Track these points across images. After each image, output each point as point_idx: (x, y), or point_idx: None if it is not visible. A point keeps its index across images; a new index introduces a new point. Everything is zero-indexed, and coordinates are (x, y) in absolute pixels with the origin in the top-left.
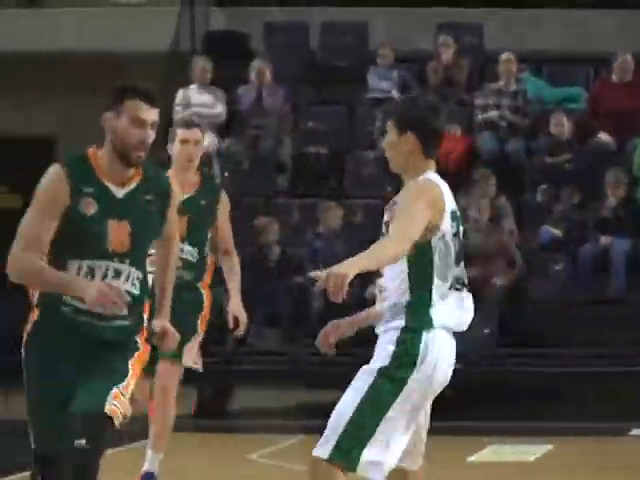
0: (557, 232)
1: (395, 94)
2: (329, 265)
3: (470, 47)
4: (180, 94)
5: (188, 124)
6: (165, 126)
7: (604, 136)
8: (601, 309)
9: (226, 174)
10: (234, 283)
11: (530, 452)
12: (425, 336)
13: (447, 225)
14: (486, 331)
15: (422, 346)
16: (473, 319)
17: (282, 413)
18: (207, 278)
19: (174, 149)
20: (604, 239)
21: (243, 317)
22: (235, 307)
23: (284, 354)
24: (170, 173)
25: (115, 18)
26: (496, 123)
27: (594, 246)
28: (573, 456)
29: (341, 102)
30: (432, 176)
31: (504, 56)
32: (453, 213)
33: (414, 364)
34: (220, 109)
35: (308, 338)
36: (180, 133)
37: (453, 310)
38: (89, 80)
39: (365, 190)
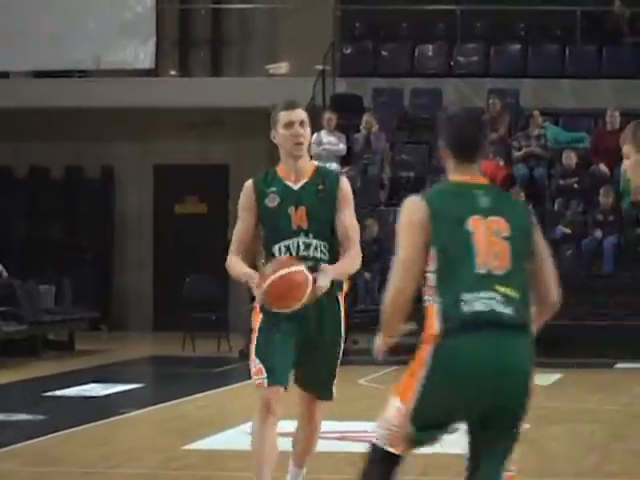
0: (567, 230)
1: None
2: None
3: (510, 105)
4: (315, 136)
5: (289, 105)
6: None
7: (601, 166)
8: (596, 281)
9: None
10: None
11: (546, 379)
12: None
13: None
14: None
15: None
16: None
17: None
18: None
19: (278, 136)
20: (599, 234)
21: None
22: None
23: None
24: (280, 165)
25: (270, 84)
26: (526, 157)
27: (592, 239)
28: (576, 381)
29: (423, 142)
30: None
31: (534, 112)
32: None
33: None
34: (342, 146)
35: None
36: (283, 116)
37: None
38: (250, 126)
39: None
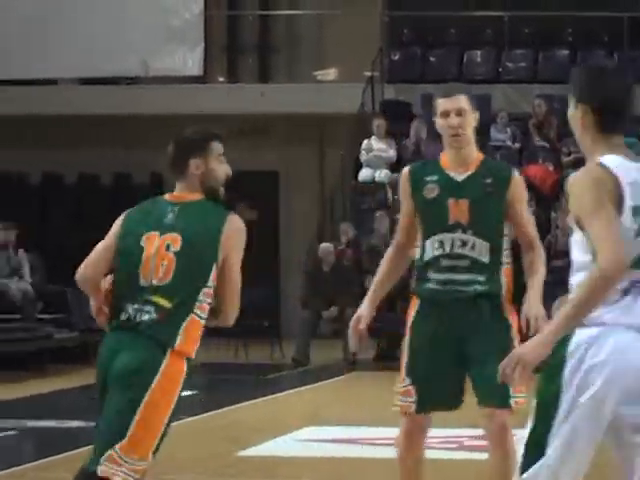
0: None
1: (509, 144)
2: None
3: (557, 111)
4: (365, 142)
5: (447, 91)
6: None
7: None
8: None
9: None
10: (533, 281)
11: None
12: None
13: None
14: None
15: None
16: None
17: None
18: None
19: (437, 125)
20: None
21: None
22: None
23: None
24: (443, 155)
25: (318, 90)
26: (575, 162)
27: None
28: None
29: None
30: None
31: None
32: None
33: None
34: (392, 153)
35: None
36: (439, 104)
37: None
38: (299, 132)
39: None
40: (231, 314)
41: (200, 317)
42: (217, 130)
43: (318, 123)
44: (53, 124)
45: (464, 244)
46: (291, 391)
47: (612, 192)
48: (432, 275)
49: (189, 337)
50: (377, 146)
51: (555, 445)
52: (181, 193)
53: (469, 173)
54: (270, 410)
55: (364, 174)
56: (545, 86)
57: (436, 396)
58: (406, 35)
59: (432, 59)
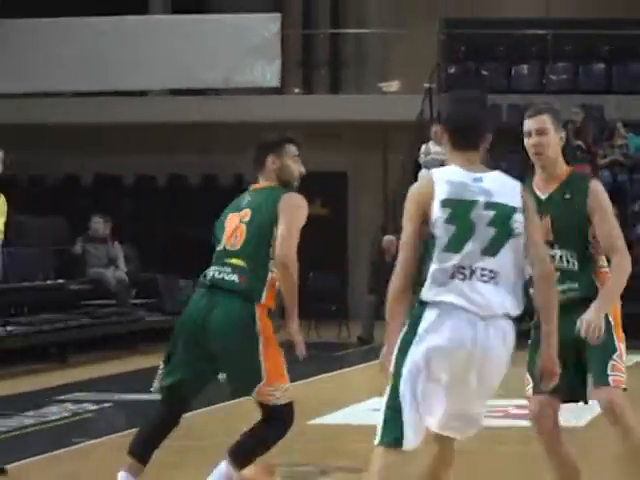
0: None
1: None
2: None
3: (594, 118)
4: (423, 147)
5: (531, 112)
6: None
7: None
8: None
9: None
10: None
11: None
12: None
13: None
14: None
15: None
16: None
17: None
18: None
19: (526, 144)
20: None
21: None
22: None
23: None
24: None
25: (383, 100)
26: (610, 164)
27: None
28: None
29: (518, 151)
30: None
31: (617, 124)
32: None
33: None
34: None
35: None
36: (525, 124)
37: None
38: (366, 138)
39: None
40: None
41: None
42: (292, 135)
43: (382, 130)
44: (144, 131)
45: (552, 258)
46: (357, 367)
47: (426, 196)
48: None
49: (270, 292)
50: (434, 149)
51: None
52: (260, 184)
53: (552, 190)
54: (338, 384)
55: (422, 175)
56: (585, 96)
57: None
58: (461, 52)
59: (484, 72)
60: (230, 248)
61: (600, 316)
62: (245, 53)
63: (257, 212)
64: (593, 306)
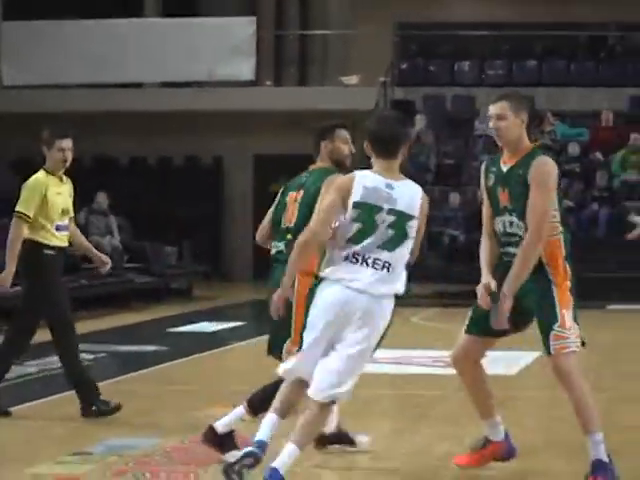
0: (571, 204)
1: (489, 133)
2: None
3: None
4: None
5: (493, 99)
6: None
7: (597, 154)
8: (593, 243)
9: None
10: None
11: None
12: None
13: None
14: None
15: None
16: None
17: (426, 297)
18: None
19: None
20: (595, 207)
21: None
22: None
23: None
24: None
25: (344, 92)
26: (541, 147)
27: (590, 211)
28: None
29: (461, 136)
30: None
31: (547, 114)
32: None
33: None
34: None
35: None
36: (489, 109)
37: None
38: None
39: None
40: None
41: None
42: (343, 121)
43: (343, 118)
44: (138, 119)
45: (511, 224)
46: None
47: (345, 191)
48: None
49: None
50: None
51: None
52: (315, 165)
53: (511, 166)
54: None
55: None
56: (518, 88)
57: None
58: (412, 50)
59: (431, 68)
60: (287, 225)
61: (510, 299)
62: (225, 51)
63: (307, 192)
64: (506, 283)
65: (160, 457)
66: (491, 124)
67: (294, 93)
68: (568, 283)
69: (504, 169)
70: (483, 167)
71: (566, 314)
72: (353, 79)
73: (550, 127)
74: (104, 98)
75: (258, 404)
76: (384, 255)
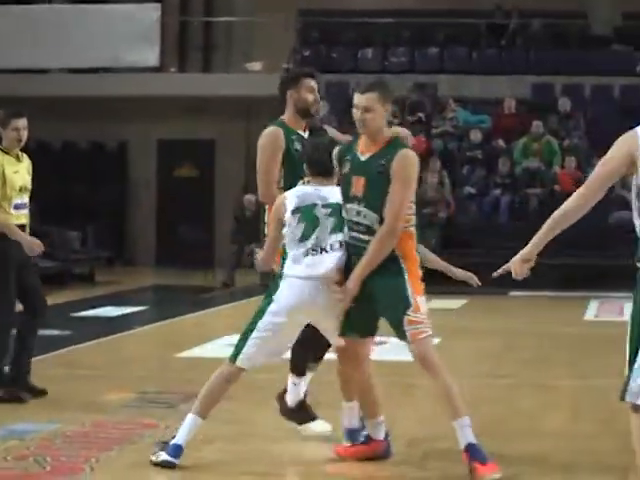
0: (473, 190)
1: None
2: None
3: (429, 95)
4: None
5: (359, 89)
6: None
7: (499, 141)
8: (494, 229)
9: None
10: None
11: (456, 303)
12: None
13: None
14: (434, 240)
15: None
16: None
17: None
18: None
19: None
20: (497, 193)
21: None
22: None
23: None
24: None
25: (247, 78)
26: (442, 134)
27: (492, 197)
28: (479, 305)
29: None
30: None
31: (449, 100)
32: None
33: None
34: None
35: None
36: (354, 98)
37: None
38: (232, 109)
39: None
40: None
41: None
42: (309, 70)
43: (246, 103)
44: (45, 104)
45: (358, 214)
46: (220, 307)
47: (281, 214)
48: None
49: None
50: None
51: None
52: (285, 116)
53: (369, 155)
54: (204, 322)
55: None
56: (420, 75)
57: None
58: (314, 37)
59: (333, 55)
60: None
61: (356, 282)
62: (131, 37)
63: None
64: (353, 274)
65: (61, 441)
66: (357, 115)
67: (198, 79)
68: (420, 272)
69: (362, 158)
70: (337, 154)
71: (419, 300)
72: (256, 66)
73: (452, 114)
74: (9, 83)
75: (300, 364)
76: (338, 236)
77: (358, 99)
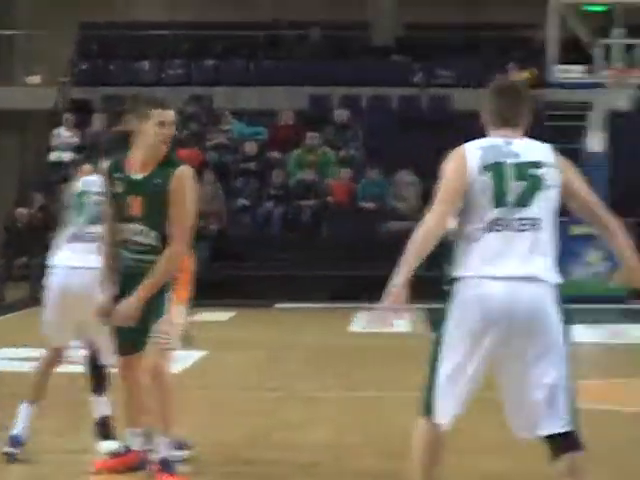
0: (246, 202)
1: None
2: None
3: (205, 107)
4: (56, 131)
5: (165, 105)
6: None
7: (275, 153)
8: (266, 241)
9: None
10: None
11: (223, 316)
12: None
13: None
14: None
15: None
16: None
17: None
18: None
19: (150, 131)
20: (270, 205)
21: None
22: None
23: None
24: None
25: (28, 92)
26: (216, 146)
27: (265, 209)
28: (246, 318)
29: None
30: None
31: (225, 112)
32: None
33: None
34: (75, 139)
35: None
36: (161, 114)
37: None
38: (8, 121)
39: None
40: None
41: None
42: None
43: (24, 116)
44: None
45: (139, 233)
46: None
47: None
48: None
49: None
50: (65, 134)
51: None
52: None
53: (146, 174)
54: None
55: (54, 155)
56: (197, 88)
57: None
58: (93, 50)
59: (111, 68)
60: None
61: (136, 304)
62: None
63: None
64: (136, 294)
65: None
66: (166, 131)
67: None
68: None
69: (137, 177)
70: (106, 171)
71: (176, 311)
72: (36, 79)
73: (227, 126)
74: None
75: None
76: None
77: (169, 115)
